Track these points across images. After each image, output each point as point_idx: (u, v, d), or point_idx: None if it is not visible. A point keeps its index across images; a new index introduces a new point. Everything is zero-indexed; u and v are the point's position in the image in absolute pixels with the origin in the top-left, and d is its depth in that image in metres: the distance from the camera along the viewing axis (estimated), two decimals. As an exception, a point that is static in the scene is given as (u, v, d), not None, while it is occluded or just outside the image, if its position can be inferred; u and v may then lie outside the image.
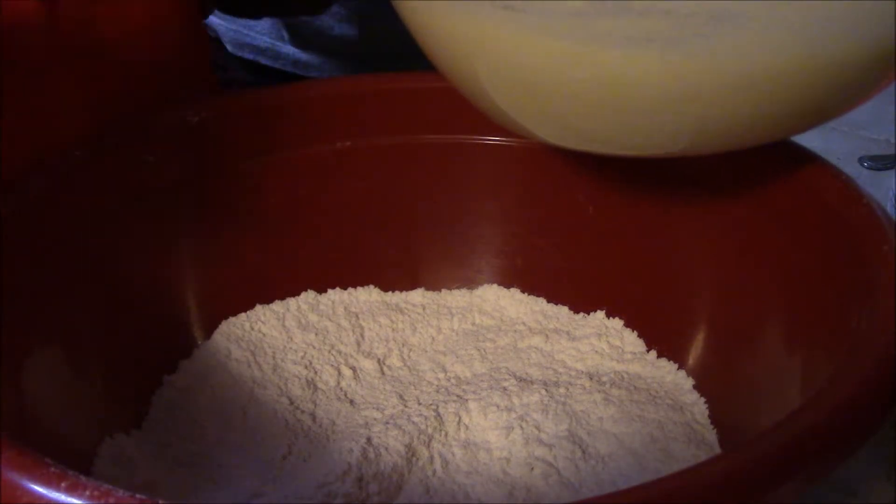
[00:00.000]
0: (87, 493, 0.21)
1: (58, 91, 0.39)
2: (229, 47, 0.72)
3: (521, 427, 0.36)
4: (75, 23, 0.39)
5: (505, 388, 0.39)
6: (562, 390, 0.38)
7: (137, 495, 0.21)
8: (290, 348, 0.42)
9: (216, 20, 0.72)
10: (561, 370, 0.41)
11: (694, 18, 0.26)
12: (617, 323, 0.43)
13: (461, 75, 0.34)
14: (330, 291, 0.46)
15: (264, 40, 0.72)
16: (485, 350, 0.43)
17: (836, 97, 0.30)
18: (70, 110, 0.40)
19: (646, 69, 0.28)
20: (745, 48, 0.27)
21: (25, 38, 0.37)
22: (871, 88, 0.30)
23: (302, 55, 0.71)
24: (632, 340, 0.42)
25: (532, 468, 0.34)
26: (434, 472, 0.35)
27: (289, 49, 0.72)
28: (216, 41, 0.73)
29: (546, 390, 0.38)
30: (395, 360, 0.42)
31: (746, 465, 0.21)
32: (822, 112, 0.31)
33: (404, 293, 0.47)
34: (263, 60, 0.72)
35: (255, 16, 0.69)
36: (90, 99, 0.40)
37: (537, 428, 0.36)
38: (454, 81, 0.35)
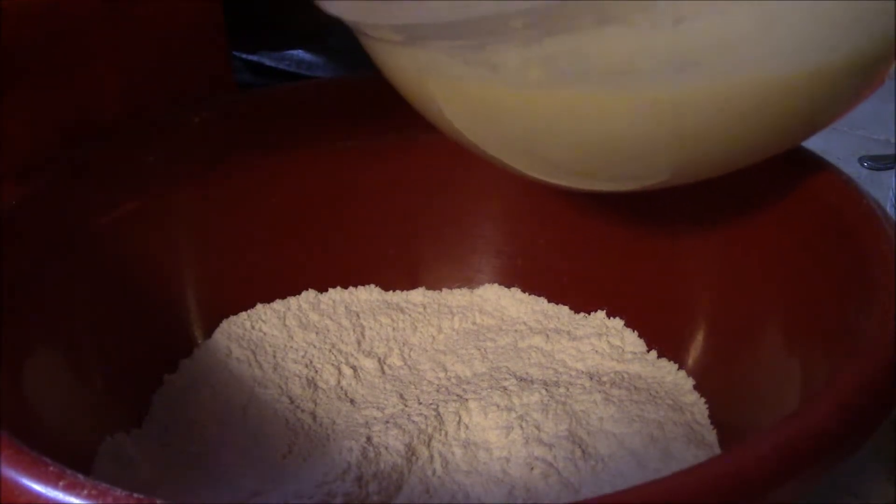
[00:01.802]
0: (86, 491, 0.21)
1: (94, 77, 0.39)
2: (267, 61, 0.73)
3: (521, 427, 0.36)
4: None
5: (505, 388, 0.39)
6: (562, 390, 0.38)
7: (135, 494, 0.21)
8: (291, 347, 0.42)
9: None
10: (561, 370, 0.41)
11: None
12: (617, 323, 0.43)
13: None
14: (331, 290, 0.46)
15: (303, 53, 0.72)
16: (485, 349, 0.43)
17: (820, 112, 0.30)
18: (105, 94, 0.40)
19: (618, 105, 0.27)
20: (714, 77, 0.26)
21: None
22: (854, 100, 0.30)
23: (306, 56, 0.72)
24: (632, 340, 0.42)
25: (532, 468, 0.34)
26: (434, 471, 0.35)
27: (293, 50, 0.72)
28: None
29: (546, 390, 0.38)
30: (395, 360, 0.42)
31: (746, 465, 0.21)
32: (802, 130, 0.31)
33: (405, 292, 0.47)
34: (268, 61, 0.73)
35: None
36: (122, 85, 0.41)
37: (537, 428, 0.36)
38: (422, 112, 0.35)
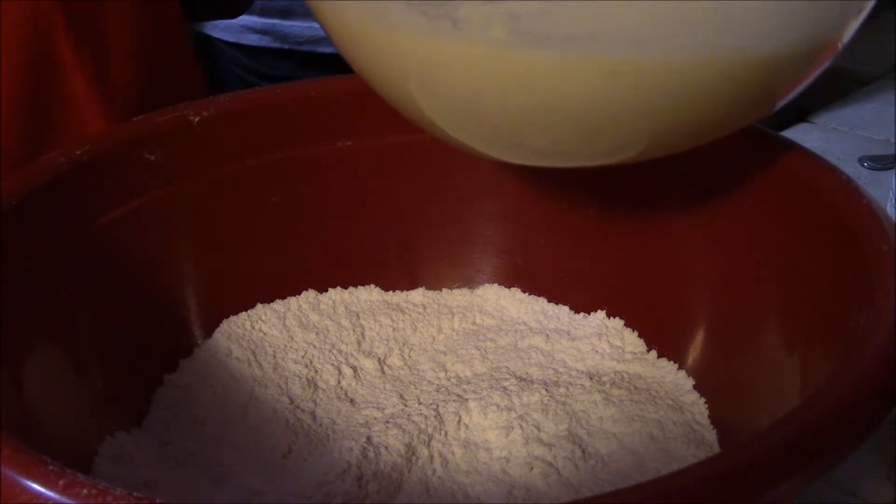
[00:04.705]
0: (85, 491, 0.21)
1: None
2: (306, 48, 0.73)
3: (521, 427, 0.36)
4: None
5: (505, 388, 0.39)
6: (562, 390, 0.38)
7: (135, 493, 0.21)
8: (291, 347, 0.42)
9: (257, 20, 0.73)
10: (561, 370, 0.41)
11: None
12: (617, 323, 0.43)
13: (391, 93, 0.33)
14: (331, 291, 0.46)
15: (311, 26, 0.72)
16: (485, 350, 0.42)
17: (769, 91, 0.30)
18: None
19: (578, 72, 0.27)
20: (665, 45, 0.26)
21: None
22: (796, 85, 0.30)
23: None
24: (632, 340, 0.42)
25: (532, 468, 0.34)
26: (434, 471, 0.35)
27: None
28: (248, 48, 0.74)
29: (546, 390, 0.38)
30: (395, 360, 0.42)
31: (745, 464, 0.21)
32: (759, 104, 0.31)
33: (405, 293, 0.47)
34: (319, 49, 0.72)
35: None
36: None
37: (537, 427, 0.36)
38: (384, 96, 0.34)
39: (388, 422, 0.37)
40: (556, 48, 0.26)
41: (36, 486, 0.22)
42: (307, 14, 0.75)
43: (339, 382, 0.41)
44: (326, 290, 0.46)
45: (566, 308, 0.45)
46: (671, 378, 0.40)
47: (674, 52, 0.26)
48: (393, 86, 0.32)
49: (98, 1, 0.41)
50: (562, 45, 0.26)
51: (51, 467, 0.22)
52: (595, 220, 0.44)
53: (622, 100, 0.28)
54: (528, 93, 0.28)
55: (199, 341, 0.43)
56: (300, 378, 0.40)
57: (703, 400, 0.38)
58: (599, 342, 0.42)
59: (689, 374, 0.40)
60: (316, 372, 0.41)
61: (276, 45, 0.78)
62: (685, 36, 0.26)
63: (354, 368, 0.41)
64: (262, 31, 0.77)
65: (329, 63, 0.77)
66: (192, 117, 0.41)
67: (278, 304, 0.45)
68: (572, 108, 0.28)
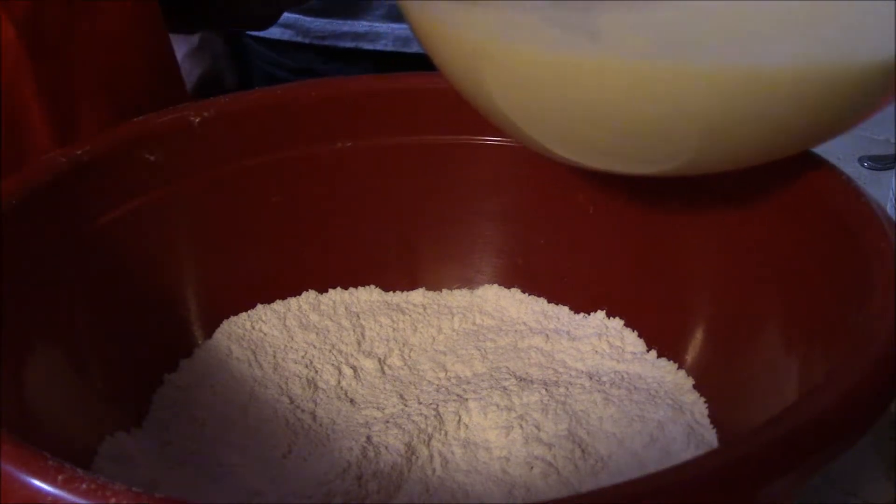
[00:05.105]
0: (84, 486, 0.21)
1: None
2: (328, 42, 0.75)
3: (521, 426, 0.36)
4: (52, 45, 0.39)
5: (505, 388, 0.39)
6: (562, 390, 0.38)
7: (134, 488, 0.21)
8: (291, 348, 0.42)
9: (305, 17, 0.75)
10: (561, 370, 0.41)
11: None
12: (617, 323, 0.43)
13: (468, 86, 0.33)
14: (331, 291, 0.46)
15: (361, 25, 0.74)
16: (485, 350, 0.42)
17: (855, 106, 0.29)
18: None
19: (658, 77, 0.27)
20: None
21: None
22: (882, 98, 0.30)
23: (401, 29, 0.74)
24: (632, 340, 0.42)
25: (531, 467, 0.34)
26: (434, 470, 0.35)
27: (385, 27, 0.74)
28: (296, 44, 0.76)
29: (546, 390, 0.38)
30: (395, 360, 0.42)
31: (741, 460, 0.21)
32: (834, 125, 0.31)
33: (405, 293, 0.47)
34: (364, 45, 0.75)
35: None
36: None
37: (537, 427, 0.36)
38: (462, 92, 0.34)
39: (388, 422, 0.37)
40: (702, 57, 0.26)
41: (35, 482, 0.22)
42: (328, 12, 0.76)
43: (339, 382, 0.41)
44: (326, 291, 0.46)
45: (566, 308, 0.45)
46: (671, 378, 0.40)
47: (832, 56, 0.26)
48: (504, 98, 0.31)
49: (67, 62, 0.41)
50: (708, 54, 0.26)
51: (50, 462, 0.22)
52: (595, 219, 0.44)
53: (758, 108, 0.27)
54: (665, 103, 0.27)
55: (199, 341, 0.43)
56: (300, 378, 0.40)
57: (703, 400, 0.38)
58: (599, 342, 0.42)
59: (689, 374, 0.40)
60: (316, 372, 0.41)
61: (298, 38, 0.80)
62: (849, 39, 0.25)
63: (354, 368, 0.41)
64: (284, 25, 0.80)
65: (348, 56, 0.79)
66: (192, 117, 0.41)
67: (278, 305, 0.45)
68: (707, 118, 0.28)
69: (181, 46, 0.83)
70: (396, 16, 0.75)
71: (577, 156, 0.34)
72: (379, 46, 0.76)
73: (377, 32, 0.75)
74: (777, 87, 0.27)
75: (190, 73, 0.85)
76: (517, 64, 0.29)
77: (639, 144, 0.30)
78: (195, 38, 0.86)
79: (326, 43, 0.77)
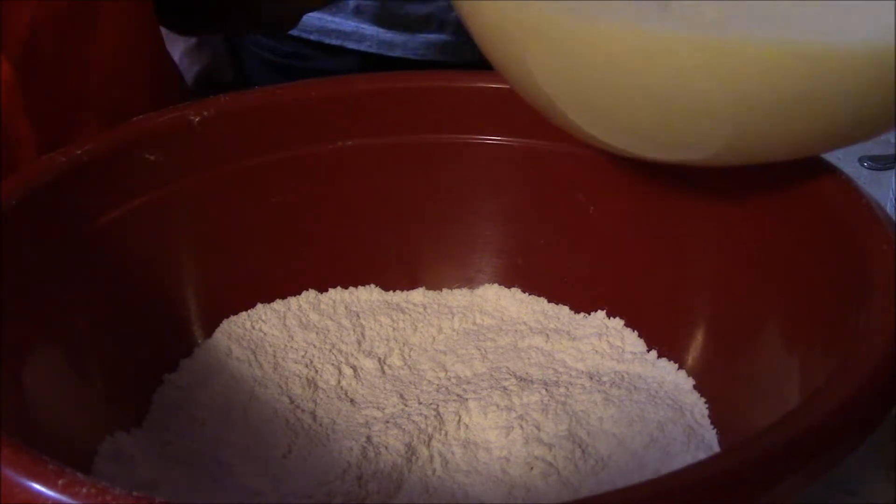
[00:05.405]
0: (84, 490, 0.21)
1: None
2: (314, 36, 0.75)
3: (521, 427, 0.36)
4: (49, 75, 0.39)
5: (505, 388, 0.39)
6: (562, 390, 0.38)
7: (134, 493, 0.21)
8: (291, 347, 0.42)
9: None
10: (561, 370, 0.41)
11: None
12: (617, 323, 0.43)
13: (514, 69, 0.32)
14: (331, 291, 0.46)
15: (348, 25, 0.74)
16: (485, 350, 0.42)
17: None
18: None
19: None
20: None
21: None
22: None
23: (386, 34, 0.74)
24: (632, 340, 0.42)
25: (532, 468, 0.34)
26: (434, 471, 0.35)
27: (372, 30, 0.74)
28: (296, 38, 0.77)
29: (546, 390, 0.38)
30: (395, 360, 0.42)
31: (744, 464, 0.21)
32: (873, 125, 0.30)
33: (405, 292, 0.47)
34: (349, 44, 0.75)
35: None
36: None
37: (537, 427, 0.36)
38: (507, 77, 0.33)
39: (388, 421, 0.37)
40: (772, 29, 0.25)
41: (35, 486, 0.22)
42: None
43: (339, 382, 0.41)
44: (326, 290, 0.46)
45: (566, 308, 0.45)
46: (671, 378, 0.40)
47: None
48: (563, 81, 0.31)
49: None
50: (777, 28, 0.25)
51: (50, 466, 0.22)
52: (595, 220, 0.43)
53: (829, 90, 0.27)
54: (734, 82, 0.27)
55: (199, 341, 0.43)
56: (300, 378, 0.40)
57: (703, 400, 0.38)
58: (599, 342, 0.42)
59: (689, 374, 0.40)
60: (316, 372, 0.41)
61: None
62: None
63: (354, 368, 0.41)
64: None
65: (334, 49, 0.79)
66: (192, 117, 0.41)
67: (278, 304, 0.45)
68: (778, 98, 0.27)
69: (179, 43, 0.83)
70: (384, 20, 0.75)
71: (615, 137, 0.33)
72: (363, 47, 0.77)
73: (362, 34, 0.76)
74: (855, 67, 0.26)
75: (188, 69, 0.85)
76: (582, 39, 0.28)
77: (690, 126, 0.30)
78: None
79: (313, 38, 0.78)
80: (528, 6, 0.29)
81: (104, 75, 0.42)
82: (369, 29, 0.75)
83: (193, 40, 0.85)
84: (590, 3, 0.28)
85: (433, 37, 0.76)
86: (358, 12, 0.75)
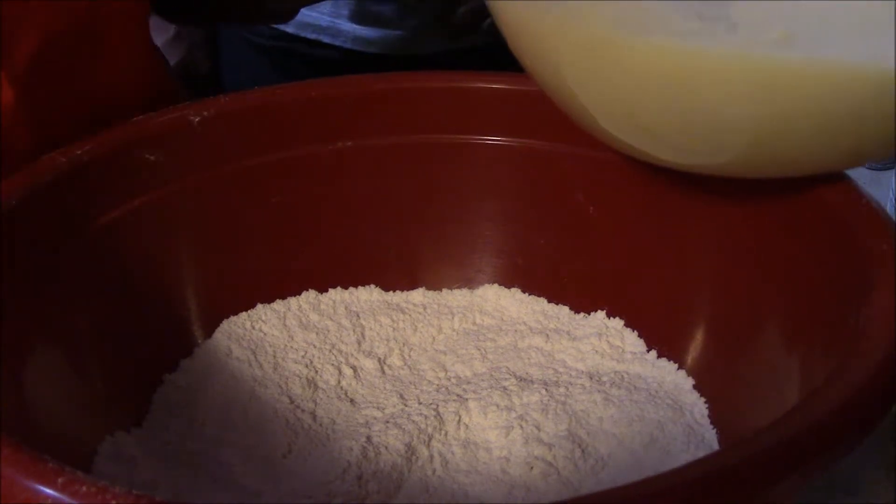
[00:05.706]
0: (84, 489, 0.21)
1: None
2: (290, 29, 0.75)
3: (521, 426, 0.36)
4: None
5: (505, 388, 0.39)
6: (562, 390, 0.38)
7: (133, 491, 0.21)
8: (291, 347, 0.42)
9: None
10: (561, 370, 0.41)
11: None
12: (617, 323, 0.43)
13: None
14: (331, 291, 0.46)
15: (324, 19, 0.75)
16: (485, 350, 0.42)
17: None
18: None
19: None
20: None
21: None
22: None
23: (362, 31, 0.74)
24: (632, 340, 0.42)
25: (531, 467, 0.34)
26: (434, 470, 0.35)
27: (348, 26, 0.74)
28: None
29: (546, 390, 0.38)
30: (395, 360, 0.42)
31: (743, 462, 0.21)
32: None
33: (405, 293, 0.47)
34: (324, 38, 0.75)
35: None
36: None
37: (537, 427, 0.36)
38: (538, 80, 0.33)
39: (388, 421, 0.37)
40: (836, 48, 0.25)
41: (35, 485, 0.22)
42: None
43: (339, 382, 0.41)
44: (326, 290, 0.46)
45: (566, 308, 0.45)
46: (671, 378, 0.40)
47: None
48: (602, 92, 0.31)
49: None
50: (846, 44, 0.25)
51: (50, 466, 0.22)
52: (595, 220, 0.44)
53: (876, 108, 0.27)
54: (789, 99, 0.27)
55: (199, 341, 0.43)
56: (300, 378, 0.40)
57: (703, 400, 0.38)
58: (599, 342, 0.42)
59: (689, 374, 0.40)
60: (316, 372, 0.41)
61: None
62: None
63: (354, 368, 0.41)
64: None
65: (313, 41, 0.79)
66: (192, 117, 0.41)
67: (278, 304, 0.45)
68: (826, 116, 0.27)
69: (160, 36, 0.83)
70: (361, 17, 0.75)
71: (646, 144, 0.33)
72: (338, 43, 0.77)
73: (338, 29, 0.76)
74: None
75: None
76: (640, 56, 0.28)
77: (753, 144, 0.30)
78: (172, 27, 0.85)
79: (290, 30, 0.78)
80: (568, 19, 0.29)
81: (106, 97, 0.42)
82: (345, 25, 0.75)
83: (172, 33, 0.85)
84: (634, 17, 0.27)
85: (407, 34, 0.76)
86: (335, 8, 0.75)
